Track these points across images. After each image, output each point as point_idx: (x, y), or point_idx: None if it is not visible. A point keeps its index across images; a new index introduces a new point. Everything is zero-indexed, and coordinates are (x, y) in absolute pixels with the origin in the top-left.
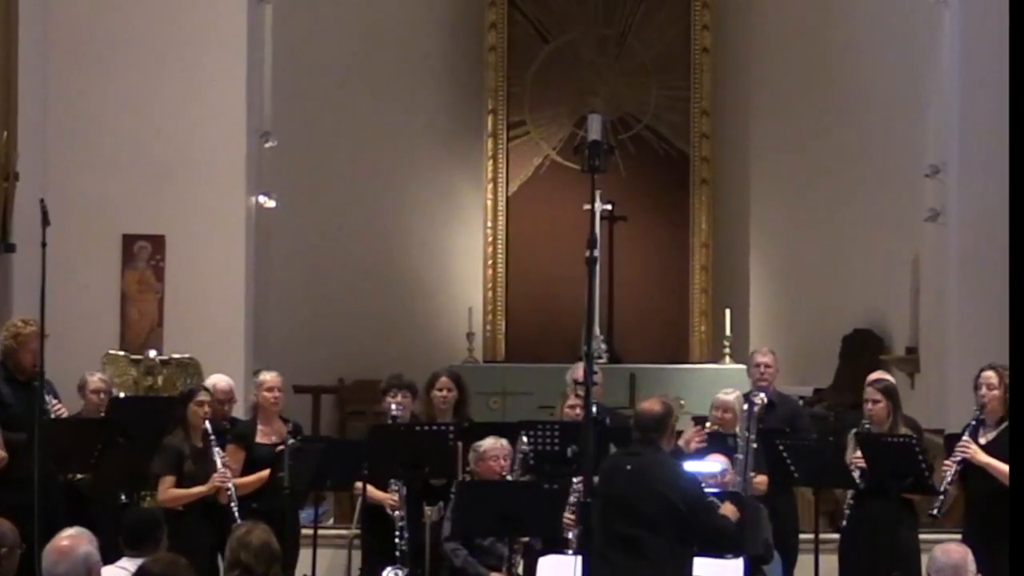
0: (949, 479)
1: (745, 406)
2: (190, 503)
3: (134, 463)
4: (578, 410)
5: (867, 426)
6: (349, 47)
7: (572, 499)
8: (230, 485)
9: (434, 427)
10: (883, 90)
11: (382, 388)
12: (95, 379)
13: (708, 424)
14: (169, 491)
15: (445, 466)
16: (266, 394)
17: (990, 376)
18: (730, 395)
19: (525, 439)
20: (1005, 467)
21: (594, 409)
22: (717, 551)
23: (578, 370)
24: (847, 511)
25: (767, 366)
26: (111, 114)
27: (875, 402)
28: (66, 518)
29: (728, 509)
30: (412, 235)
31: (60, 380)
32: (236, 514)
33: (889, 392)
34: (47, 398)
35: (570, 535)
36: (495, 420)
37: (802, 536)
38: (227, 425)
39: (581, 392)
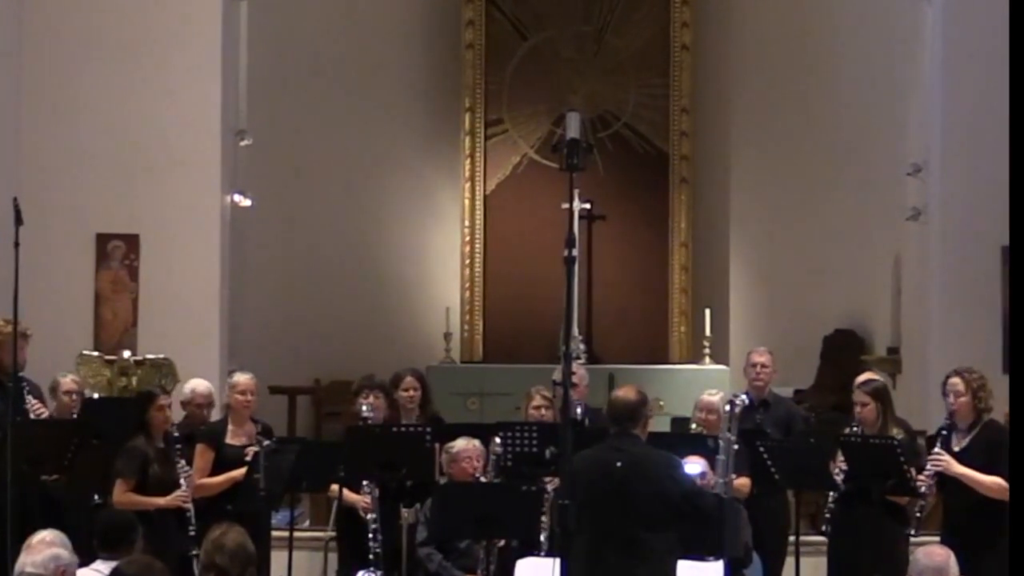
0: (924, 493)
1: (727, 407)
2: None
3: (108, 464)
4: (543, 411)
5: (856, 428)
6: (325, 44)
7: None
8: (190, 505)
9: (412, 428)
10: (864, 88)
11: (354, 389)
12: (67, 380)
13: (693, 426)
14: (125, 495)
15: (422, 468)
16: (238, 396)
17: (956, 383)
18: (714, 396)
19: (498, 440)
20: (980, 476)
21: (579, 410)
22: (703, 540)
23: None
24: (827, 515)
25: (764, 366)
26: (85, 113)
27: (863, 405)
28: (40, 520)
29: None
30: (389, 234)
31: (33, 380)
32: (192, 533)
33: (878, 394)
34: (28, 399)
35: (542, 537)
36: (473, 421)
37: None
38: (203, 429)
39: (550, 393)
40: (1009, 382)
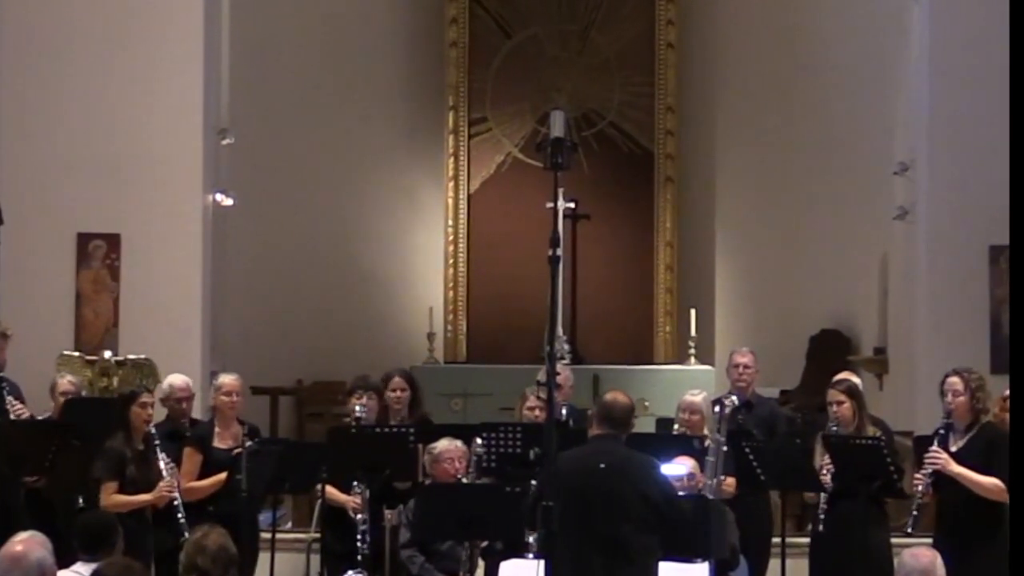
0: (921, 492)
1: (716, 408)
2: (142, 507)
3: (89, 466)
4: (537, 412)
5: (834, 428)
6: (308, 42)
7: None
8: (176, 494)
9: (394, 429)
10: (851, 86)
11: (347, 389)
12: (64, 382)
13: (676, 427)
14: (113, 497)
15: (406, 469)
16: (223, 398)
17: (955, 382)
18: (697, 396)
19: (479, 441)
20: (978, 477)
21: (564, 411)
22: (689, 542)
23: None
24: (821, 516)
25: (746, 367)
26: (66, 111)
27: (839, 403)
28: (21, 521)
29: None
30: (372, 233)
31: (13, 380)
32: (183, 523)
33: (852, 392)
34: (8, 399)
35: (531, 539)
36: (456, 422)
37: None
38: (186, 424)
39: (544, 393)
40: (1009, 382)
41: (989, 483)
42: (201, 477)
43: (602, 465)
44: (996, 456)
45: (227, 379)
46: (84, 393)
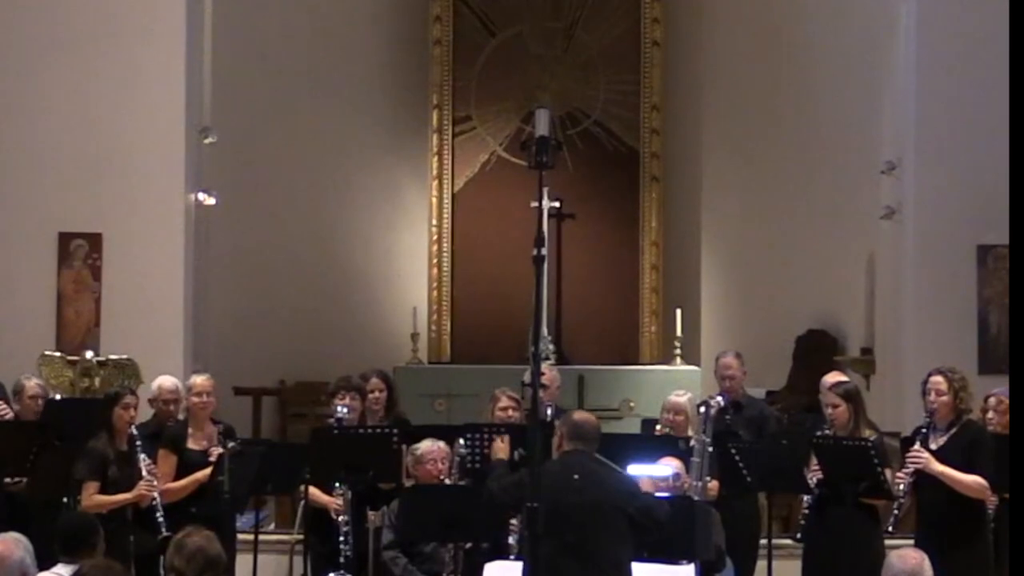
0: (903, 491)
1: (701, 409)
2: (122, 508)
3: (71, 467)
4: (510, 412)
5: (827, 431)
6: (290, 40)
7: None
8: (155, 494)
9: (378, 430)
10: (838, 85)
11: (330, 390)
12: (32, 384)
13: (659, 427)
14: (93, 497)
15: (389, 470)
16: (195, 399)
17: (938, 381)
18: (682, 397)
19: (462, 442)
20: (960, 475)
21: (549, 412)
22: (673, 545)
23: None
24: (802, 522)
25: (732, 368)
26: (46, 109)
27: (835, 407)
28: (2, 522)
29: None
30: (355, 233)
31: None
32: (161, 522)
33: (849, 395)
34: None
35: (511, 540)
36: (440, 423)
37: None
38: (164, 434)
39: (516, 394)
40: (1009, 382)
41: (971, 481)
42: (176, 478)
43: (576, 477)
44: (979, 454)
45: (198, 379)
46: (51, 395)
